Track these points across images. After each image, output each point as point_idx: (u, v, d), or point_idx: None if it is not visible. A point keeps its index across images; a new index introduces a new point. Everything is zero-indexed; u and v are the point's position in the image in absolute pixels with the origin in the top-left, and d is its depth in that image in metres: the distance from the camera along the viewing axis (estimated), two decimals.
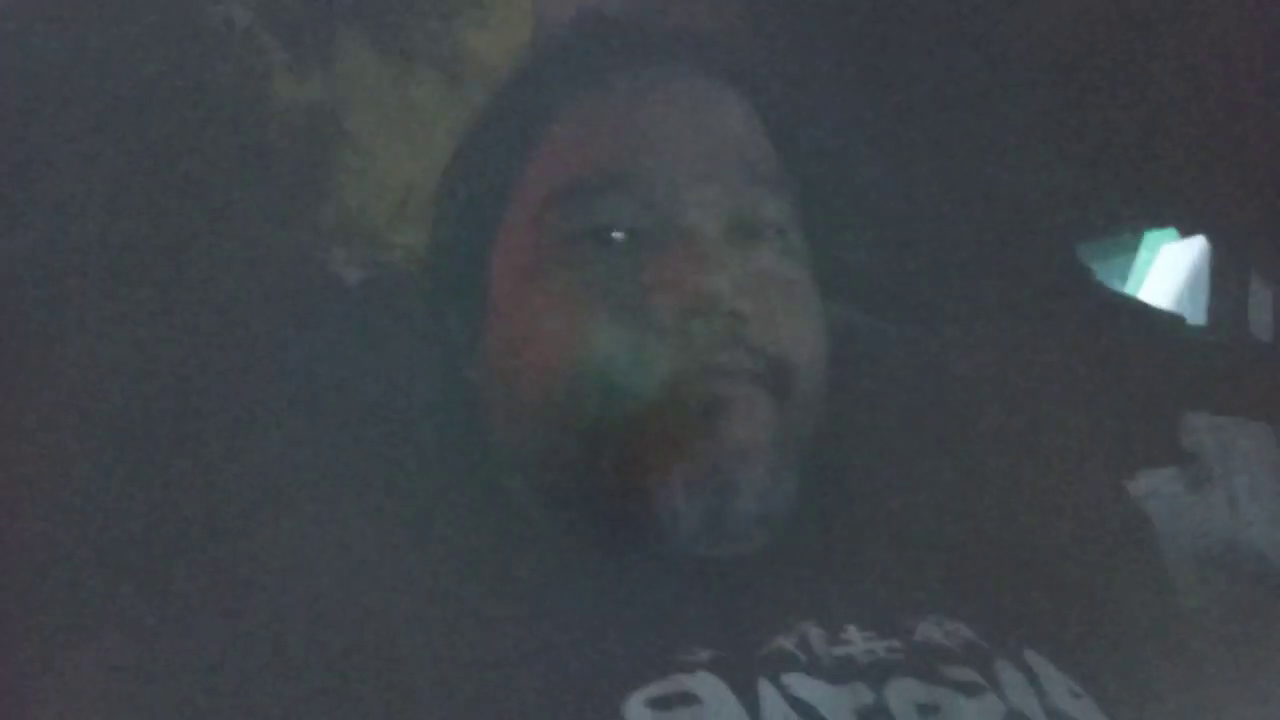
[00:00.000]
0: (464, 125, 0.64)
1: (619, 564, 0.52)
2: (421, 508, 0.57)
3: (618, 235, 0.55)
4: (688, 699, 0.46)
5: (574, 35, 0.63)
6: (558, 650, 0.48)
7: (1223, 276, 0.87)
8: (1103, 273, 0.88)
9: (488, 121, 0.63)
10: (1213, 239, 0.88)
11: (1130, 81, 0.76)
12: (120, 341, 0.63)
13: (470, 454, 0.59)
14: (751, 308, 0.53)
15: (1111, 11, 0.76)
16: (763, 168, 0.58)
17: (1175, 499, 0.69)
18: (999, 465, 0.66)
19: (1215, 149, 0.77)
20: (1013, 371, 0.71)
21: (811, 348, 0.56)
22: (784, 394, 0.54)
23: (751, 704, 0.46)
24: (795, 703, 0.46)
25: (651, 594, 0.51)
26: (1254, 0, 0.74)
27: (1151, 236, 0.94)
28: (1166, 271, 0.98)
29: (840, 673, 0.48)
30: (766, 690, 0.47)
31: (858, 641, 0.50)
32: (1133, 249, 0.95)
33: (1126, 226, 0.90)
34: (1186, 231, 0.89)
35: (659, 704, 0.46)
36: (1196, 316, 0.88)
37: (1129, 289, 0.96)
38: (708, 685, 0.46)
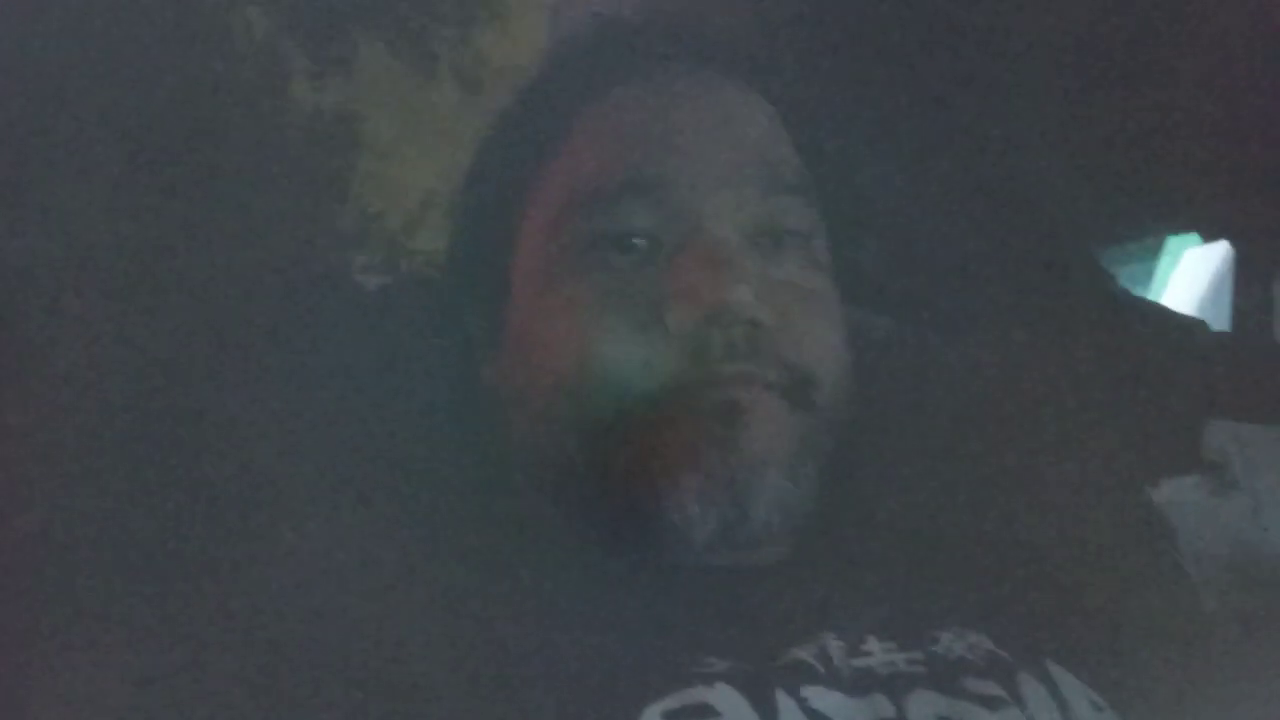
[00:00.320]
0: (485, 128, 0.63)
1: (636, 573, 0.52)
2: (437, 513, 0.56)
3: (638, 241, 0.54)
4: (705, 711, 0.45)
5: (595, 38, 0.62)
6: (574, 661, 0.48)
7: (1246, 282, 0.87)
8: (1125, 278, 0.87)
9: (509, 124, 0.62)
10: (1236, 244, 0.88)
11: (1153, 86, 0.76)
12: (139, 347, 0.63)
13: (486, 460, 0.59)
14: (772, 317, 0.53)
15: (1135, 16, 0.75)
16: (787, 174, 0.57)
17: (1198, 506, 0.68)
18: (1019, 473, 0.66)
19: (1238, 153, 0.77)
20: (1033, 378, 0.70)
21: (834, 359, 0.55)
22: (806, 405, 0.53)
23: (769, 716, 0.46)
24: (813, 715, 0.46)
25: (669, 604, 0.51)
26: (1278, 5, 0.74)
27: (1174, 241, 0.93)
28: (1189, 276, 0.97)
29: (859, 685, 0.48)
30: (784, 702, 0.46)
31: (877, 653, 0.49)
32: (1155, 254, 0.94)
33: (1149, 231, 0.90)
34: (1209, 236, 0.89)
35: (675, 716, 0.45)
36: (1219, 322, 0.88)
37: (1151, 294, 0.96)
38: (725, 697, 0.46)
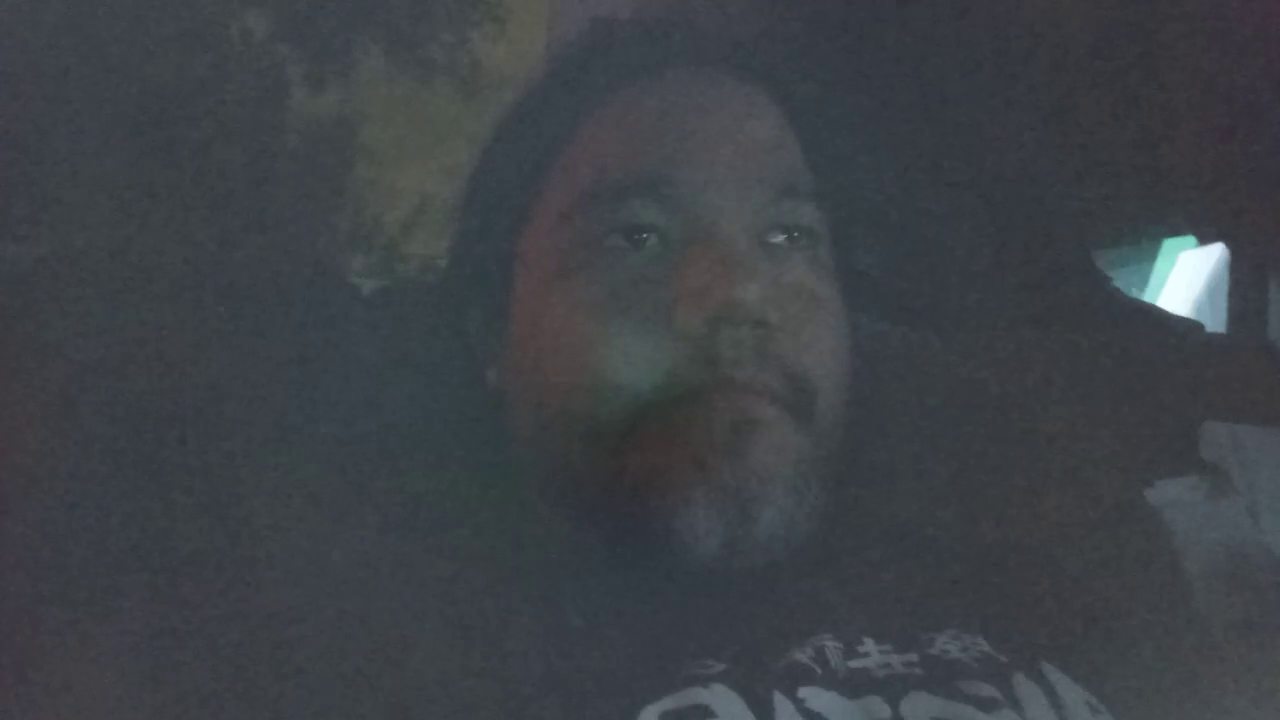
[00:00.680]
0: (490, 128, 0.63)
1: (635, 575, 0.52)
2: (439, 515, 0.56)
3: (647, 235, 0.54)
4: (702, 712, 0.45)
5: (602, 37, 0.62)
6: (573, 662, 0.48)
7: (1242, 283, 0.87)
8: (1122, 280, 0.87)
9: (515, 123, 0.62)
10: (1231, 246, 0.88)
11: (1150, 89, 0.76)
12: (137, 349, 0.63)
13: (488, 461, 0.59)
14: (778, 318, 0.52)
15: (1132, 21, 0.75)
16: (795, 174, 0.57)
17: (1194, 508, 0.68)
18: (1016, 476, 0.66)
19: (1234, 156, 0.77)
20: (1030, 380, 0.71)
21: (834, 368, 0.55)
22: (807, 418, 0.53)
23: (766, 717, 0.46)
24: (810, 716, 0.46)
25: (666, 605, 0.51)
26: (1276, 7, 0.74)
27: (1170, 244, 0.93)
28: (1185, 279, 0.97)
29: (856, 686, 0.48)
30: (781, 703, 0.46)
31: (874, 655, 0.49)
32: (1151, 256, 0.95)
33: (1146, 234, 0.90)
34: (1205, 239, 0.89)
35: (673, 717, 0.45)
36: (1215, 324, 0.88)
37: (1148, 296, 0.96)
38: (722, 698, 0.46)
